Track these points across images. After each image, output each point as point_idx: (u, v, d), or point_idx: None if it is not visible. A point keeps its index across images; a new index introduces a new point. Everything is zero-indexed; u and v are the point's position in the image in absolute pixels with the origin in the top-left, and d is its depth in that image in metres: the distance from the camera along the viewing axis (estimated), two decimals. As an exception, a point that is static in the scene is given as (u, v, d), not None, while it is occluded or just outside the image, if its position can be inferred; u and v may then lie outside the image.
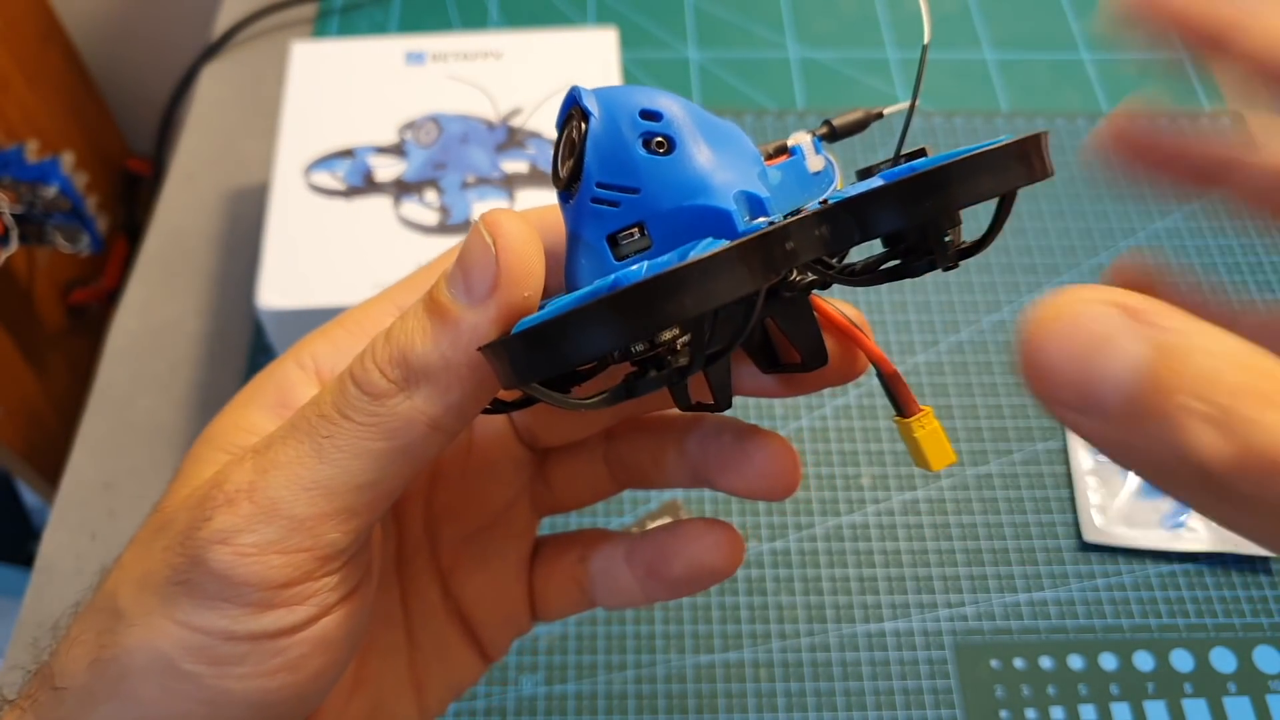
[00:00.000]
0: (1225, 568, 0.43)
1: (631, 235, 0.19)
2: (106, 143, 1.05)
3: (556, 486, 0.27)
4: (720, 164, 0.19)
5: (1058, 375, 0.14)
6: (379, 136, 0.50)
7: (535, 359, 0.17)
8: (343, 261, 0.45)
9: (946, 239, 0.20)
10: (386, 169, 0.48)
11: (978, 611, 0.42)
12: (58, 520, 0.46)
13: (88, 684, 0.19)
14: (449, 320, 0.18)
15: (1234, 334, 0.14)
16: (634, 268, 0.17)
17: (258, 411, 0.22)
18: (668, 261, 0.17)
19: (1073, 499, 0.45)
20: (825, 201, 0.19)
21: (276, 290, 0.44)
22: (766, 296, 0.20)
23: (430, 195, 0.48)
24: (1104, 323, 0.14)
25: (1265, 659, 0.41)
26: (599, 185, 0.19)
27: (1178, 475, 0.14)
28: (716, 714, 0.40)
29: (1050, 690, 0.40)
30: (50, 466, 0.86)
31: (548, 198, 0.40)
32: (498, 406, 0.21)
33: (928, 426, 0.21)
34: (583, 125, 0.19)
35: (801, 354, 0.21)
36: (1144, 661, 0.41)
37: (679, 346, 0.18)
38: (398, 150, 0.49)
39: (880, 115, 0.23)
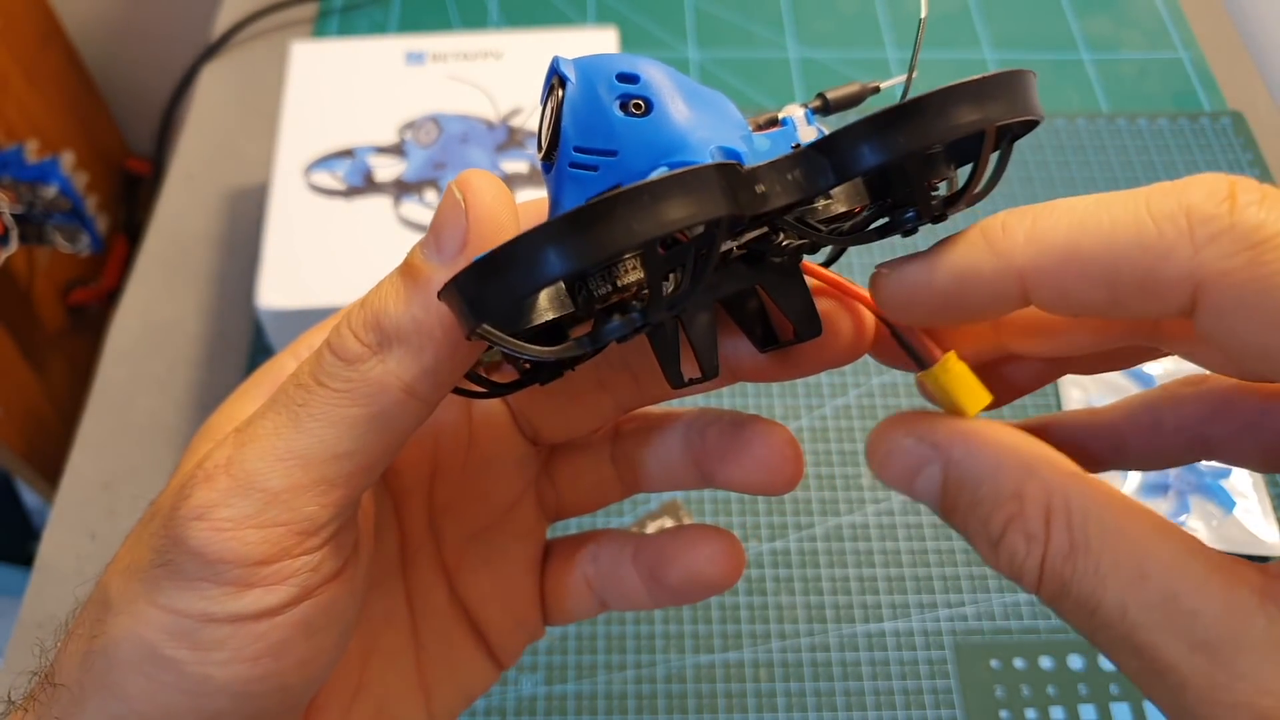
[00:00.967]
0: (1225, 568, 0.43)
1: None
2: (106, 143, 1.05)
3: (563, 487, 0.27)
4: (700, 123, 0.18)
5: (895, 487, 0.20)
6: (379, 136, 0.50)
7: (487, 292, 0.16)
8: (343, 261, 0.45)
9: (936, 193, 0.19)
10: (386, 169, 0.48)
11: (978, 611, 0.42)
12: (58, 520, 0.46)
13: (79, 679, 0.19)
14: (420, 280, 0.18)
15: (1019, 443, 0.18)
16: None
17: (254, 404, 0.21)
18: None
19: (1073, 499, 0.45)
20: (797, 145, 0.18)
21: (276, 290, 0.44)
22: (754, 264, 0.20)
23: (430, 195, 0.48)
24: (911, 457, 0.19)
25: (1265, 659, 0.41)
26: (576, 150, 0.18)
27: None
28: (716, 714, 0.40)
29: (1050, 690, 0.40)
30: (50, 466, 0.86)
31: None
32: (491, 389, 0.21)
33: (953, 369, 0.19)
34: (560, 92, 0.19)
35: (794, 325, 0.20)
36: (1144, 661, 0.41)
37: (645, 293, 0.17)
38: (398, 150, 0.49)
39: (877, 89, 0.22)
